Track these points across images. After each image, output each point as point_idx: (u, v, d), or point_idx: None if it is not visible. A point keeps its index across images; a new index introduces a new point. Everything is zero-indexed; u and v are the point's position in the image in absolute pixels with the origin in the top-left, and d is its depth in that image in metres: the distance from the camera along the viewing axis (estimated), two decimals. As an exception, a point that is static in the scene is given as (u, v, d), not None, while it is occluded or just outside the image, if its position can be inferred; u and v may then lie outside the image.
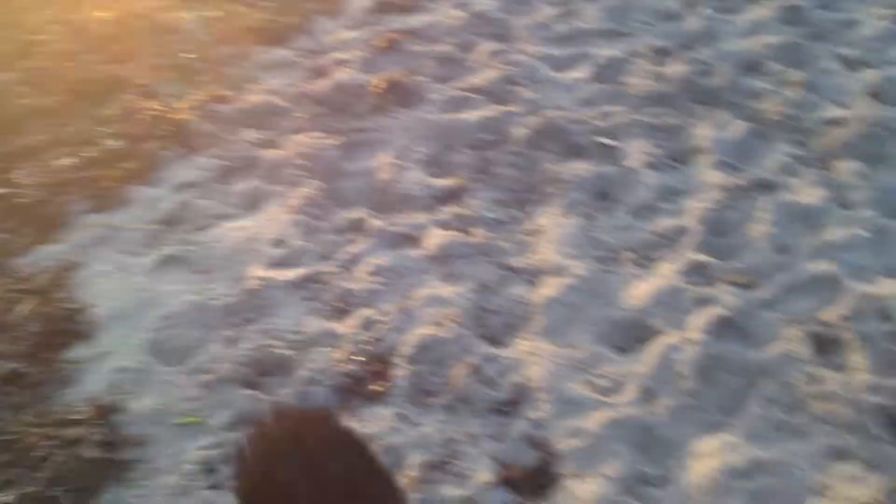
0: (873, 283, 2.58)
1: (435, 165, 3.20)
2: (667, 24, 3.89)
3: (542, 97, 3.49)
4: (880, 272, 2.63)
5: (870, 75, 3.48)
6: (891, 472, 2.07)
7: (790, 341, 2.42)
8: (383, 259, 2.78)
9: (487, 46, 3.80)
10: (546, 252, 2.79)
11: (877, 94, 3.38)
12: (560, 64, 3.70)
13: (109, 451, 2.21)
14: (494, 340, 2.51)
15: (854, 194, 2.94)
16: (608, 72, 3.62)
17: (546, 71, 3.65)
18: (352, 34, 3.97)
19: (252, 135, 3.38)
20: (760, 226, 2.84)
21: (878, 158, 3.08)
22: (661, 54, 3.71)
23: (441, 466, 2.16)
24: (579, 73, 3.63)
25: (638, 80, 3.55)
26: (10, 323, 2.59)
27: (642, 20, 3.93)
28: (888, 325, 2.43)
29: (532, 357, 2.42)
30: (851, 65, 3.57)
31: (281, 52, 3.87)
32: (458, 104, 3.47)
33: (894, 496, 2.01)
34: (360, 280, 2.72)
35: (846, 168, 3.05)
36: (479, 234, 2.88)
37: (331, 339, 2.52)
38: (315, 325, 2.57)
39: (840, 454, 2.12)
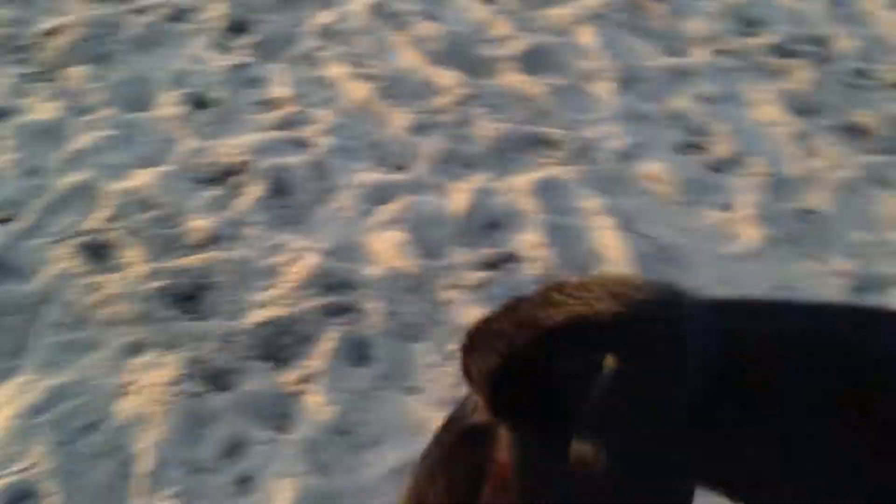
0: (129, 177, 2.58)
1: None
2: None
3: None
4: (133, 165, 2.64)
5: None
6: (187, 344, 2.13)
7: (62, 260, 2.30)
8: None
9: None
10: None
11: None
12: None
13: None
14: None
15: (91, 98, 2.89)
16: None
17: None
18: None
19: None
20: (4, 155, 2.63)
21: (104, 58, 3.06)
22: None
23: None
24: None
25: None
26: None
27: None
28: (151, 213, 2.46)
29: None
30: None
31: None
32: None
33: (196, 365, 2.07)
34: None
35: (77, 74, 2.97)
36: None
37: None
38: None
39: (136, 348, 2.10)
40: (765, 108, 3.08)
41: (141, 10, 3.30)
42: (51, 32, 3.13)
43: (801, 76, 3.24)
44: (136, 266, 2.30)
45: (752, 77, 3.27)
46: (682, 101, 3.08)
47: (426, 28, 3.34)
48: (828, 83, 3.23)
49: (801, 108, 3.09)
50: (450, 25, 3.36)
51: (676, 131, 2.97)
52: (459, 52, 3.23)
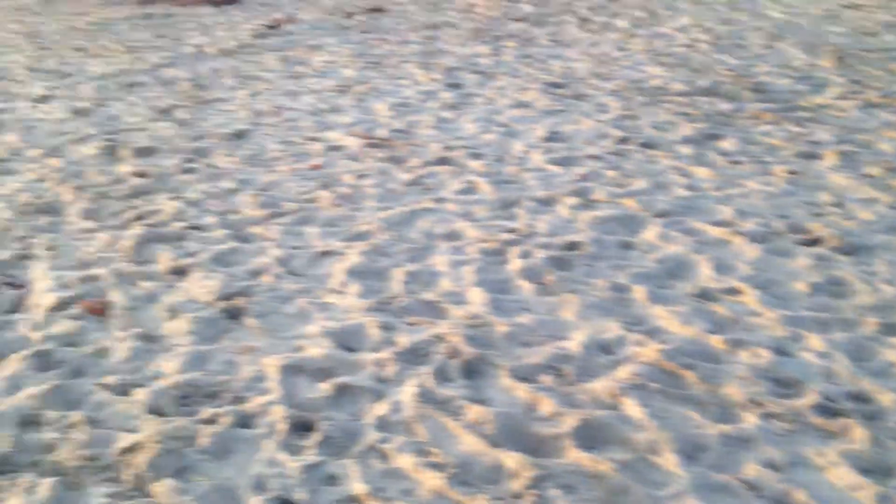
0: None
1: None
2: None
3: None
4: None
5: (141, 395, 3.49)
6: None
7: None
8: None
9: None
10: None
11: (157, 410, 3.39)
12: None
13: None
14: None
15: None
16: None
17: None
18: None
19: None
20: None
21: (185, 470, 3.09)
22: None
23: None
24: None
25: None
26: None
27: None
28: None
29: None
30: (120, 390, 3.56)
31: None
32: None
33: None
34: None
35: (163, 489, 2.98)
36: None
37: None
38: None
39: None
40: (836, 471, 2.96)
41: (209, 420, 3.34)
42: (130, 449, 3.17)
43: (856, 435, 3.11)
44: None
45: (810, 439, 3.15)
46: (752, 470, 3.02)
47: (477, 412, 3.36)
48: (885, 441, 3.08)
49: (870, 468, 2.96)
50: (498, 407, 3.39)
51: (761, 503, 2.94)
52: (515, 433, 3.26)
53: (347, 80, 8.49)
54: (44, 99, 7.84)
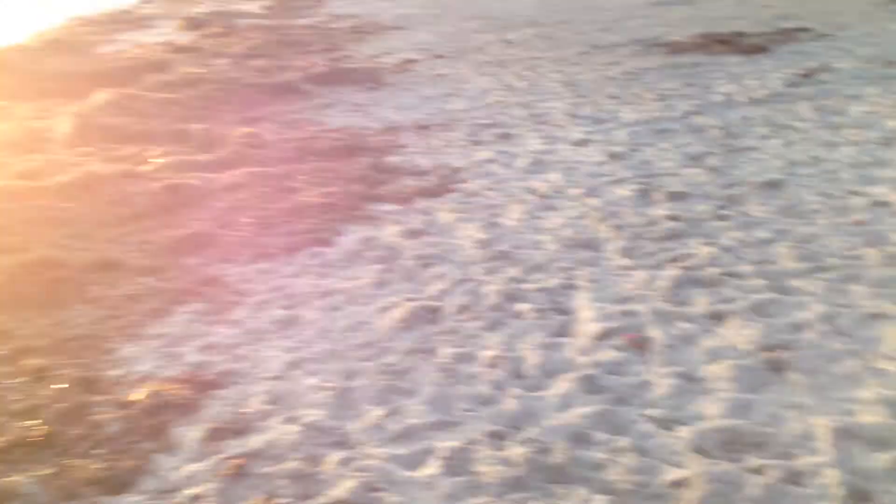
0: None
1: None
2: (487, 408, 3.88)
3: (407, 500, 3.31)
4: None
5: (685, 432, 3.56)
6: None
7: None
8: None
9: (334, 456, 3.60)
10: None
11: (701, 450, 3.44)
12: (409, 462, 3.54)
13: None
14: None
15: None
16: (457, 463, 3.49)
17: (400, 471, 3.48)
18: (196, 467, 3.60)
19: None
20: None
21: None
22: (496, 438, 3.64)
23: None
24: (431, 468, 3.48)
25: (488, 468, 3.43)
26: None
27: (464, 407, 3.91)
28: None
29: None
30: (664, 424, 3.65)
31: (129, 499, 3.45)
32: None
33: None
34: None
35: None
36: None
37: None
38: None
39: None
40: None
41: (757, 470, 3.28)
42: (677, 484, 3.25)
43: None
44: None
45: None
46: None
47: None
48: None
49: None
50: None
51: None
52: None
53: (892, 131, 7.81)
54: (582, 142, 8.43)
